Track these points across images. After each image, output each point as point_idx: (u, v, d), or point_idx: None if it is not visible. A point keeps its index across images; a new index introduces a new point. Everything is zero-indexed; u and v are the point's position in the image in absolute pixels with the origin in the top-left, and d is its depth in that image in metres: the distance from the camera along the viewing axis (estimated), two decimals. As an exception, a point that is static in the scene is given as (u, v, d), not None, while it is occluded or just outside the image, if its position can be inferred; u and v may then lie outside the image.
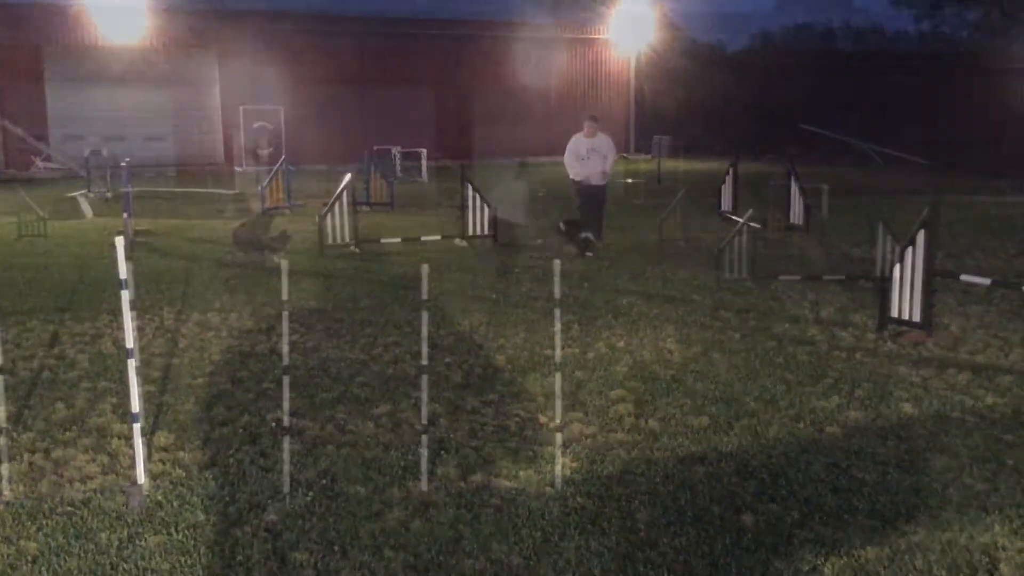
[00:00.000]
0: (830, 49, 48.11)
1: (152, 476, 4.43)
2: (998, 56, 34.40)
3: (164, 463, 4.63)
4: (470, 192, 12.17)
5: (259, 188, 16.24)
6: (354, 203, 12.01)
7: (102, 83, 27.89)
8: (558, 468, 4.43)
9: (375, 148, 23.25)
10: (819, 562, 3.65)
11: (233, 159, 28.31)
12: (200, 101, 29.39)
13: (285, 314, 4.32)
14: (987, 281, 8.21)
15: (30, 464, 4.64)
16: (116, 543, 3.83)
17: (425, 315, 4.37)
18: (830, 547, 3.76)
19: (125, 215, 11.44)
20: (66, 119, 27.62)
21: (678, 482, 4.41)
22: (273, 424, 5.14)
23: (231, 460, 4.67)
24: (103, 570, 3.64)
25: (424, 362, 4.45)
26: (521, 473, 4.52)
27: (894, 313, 7.22)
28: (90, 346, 6.94)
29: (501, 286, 9.30)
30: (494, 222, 12.20)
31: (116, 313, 7.55)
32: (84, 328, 7.48)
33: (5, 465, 4.36)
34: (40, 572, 3.63)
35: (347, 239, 11.65)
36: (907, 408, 5.48)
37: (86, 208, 16.15)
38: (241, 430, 5.11)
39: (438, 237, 12.31)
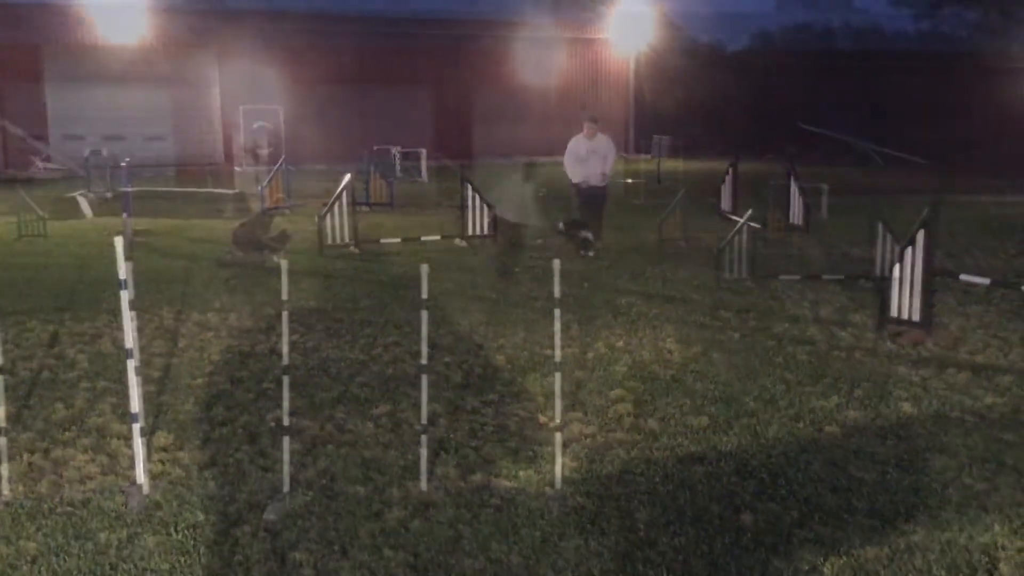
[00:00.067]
0: (830, 49, 48.05)
1: (151, 476, 4.42)
2: (998, 56, 34.38)
3: (163, 463, 4.63)
4: (470, 192, 12.18)
5: (259, 188, 16.24)
6: (354, 203, 12.02)
7: (102, 83, 27.89)
8: (558, 468, 4.43)
9: (375, 148, 23.27)
10: (818, 562, 3.65)
11: (233, 159, 28.32)
12: (200, 101, 29.41)
13: (285, 314, 4.32)
14: (987, 281, 8.22)
15: (29, 464, 4.64)
16: (115, 543, 3.83)
17: (425, 315, 4.36)
18: (829, 547, 3.76)
19: (125, 215, 11.42)
20: (66, 119, 27.63)
21: (677, 482, 4.41)
22: (273, 424, 5.14)
23: (230, 460, 4.67)
24: (103, 570, 3.64)
25: (424, 362, 4.44)
26: (521, 473, 4.52)
27: (894, 313, 7.22)
28: (89, 346, 6.93)
29: (501, 286, 9.31)
30: (494, 222, 12.20)
31: (115, 313, 7.54)
32: (84, 328, 7.48)
33: (5, 465, 4.35)
34: (40, 572, 3.63)
35: (347, 239, 11.66)
36: (906, 408, 5.48)
37: (86, 208, 16.16)
38: (240, 430, 5.11)
39: (438, 237, 12.31)
